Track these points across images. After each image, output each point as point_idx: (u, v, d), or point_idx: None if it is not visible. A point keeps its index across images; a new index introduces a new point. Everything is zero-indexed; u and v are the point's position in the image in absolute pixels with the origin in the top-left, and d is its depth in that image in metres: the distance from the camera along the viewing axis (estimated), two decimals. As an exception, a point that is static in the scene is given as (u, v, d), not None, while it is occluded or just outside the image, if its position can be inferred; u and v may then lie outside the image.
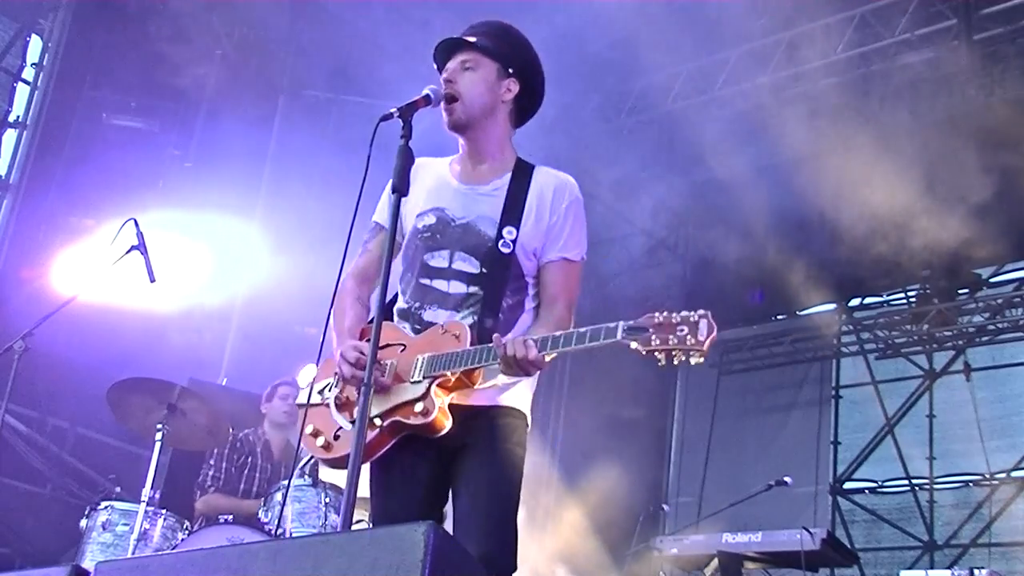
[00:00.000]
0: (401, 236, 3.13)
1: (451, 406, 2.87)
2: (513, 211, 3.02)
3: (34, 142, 8.67)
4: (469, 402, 2.92)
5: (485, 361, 2.77)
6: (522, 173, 3.10)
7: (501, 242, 2.98)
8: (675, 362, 2.58)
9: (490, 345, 2.75)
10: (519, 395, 3.02)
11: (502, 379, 2.95)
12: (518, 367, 2.71)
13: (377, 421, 2.84)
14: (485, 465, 2.89)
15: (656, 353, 2.57)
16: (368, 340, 2.94)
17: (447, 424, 2.82)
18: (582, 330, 2.68)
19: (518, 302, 3.02)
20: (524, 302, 3.04)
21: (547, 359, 2.74)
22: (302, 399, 3.16)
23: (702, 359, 2.56)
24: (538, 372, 2.84)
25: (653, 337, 2.56)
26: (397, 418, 2.83)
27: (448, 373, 2.82)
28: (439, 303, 2.99)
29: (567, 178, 3.14)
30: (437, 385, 2.82)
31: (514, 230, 2.99)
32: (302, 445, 3.05)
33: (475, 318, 2.93)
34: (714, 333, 2.54)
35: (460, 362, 2.81)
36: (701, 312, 2.57)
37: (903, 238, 8.55)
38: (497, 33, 3.16)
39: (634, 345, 2.58)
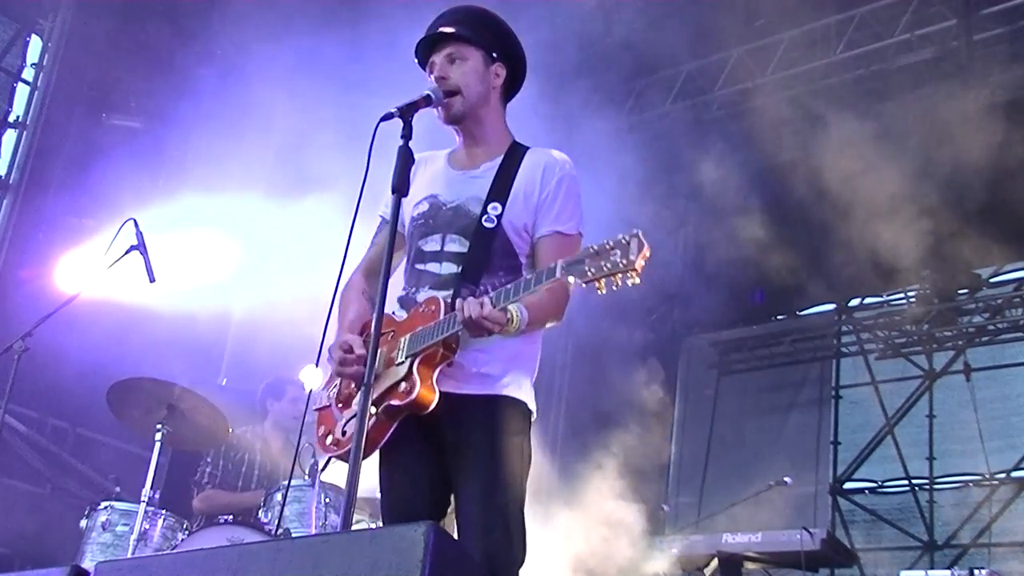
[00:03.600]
0: (402, 231, 3.16)
1: (447, 395, 2.88)
2: (501, 189, 3.04)
3: (34, 142, 8.65)
4: (464, 391, 2.93)
5: (452, 328, 2.80)
6: (514, 154, 3.12)
7: (485, 217, 3.00)
8: (614, 287, 2.58)
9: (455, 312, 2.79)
10: (518, 385, 3.01)
11: (498, 369, 2.96)
12: (477, 327, 2.72)
13: (372, 409, 2.86)
14: (483, 459, 2.89)
15: (595, 283, 2.57)
16: (367, 334, 2.99)
17: (432, 398, 2.83)
18: (527, 276, 2.72)
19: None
20: None
21: (514, 321, 2.75)
22: (314, 401, 3.19)
23: (637, 279, 2.56)
24: (531, 347, 2.95)
25: (588, 268, 2.57)
26: (388, 402, 2.87)
27: (423, 347, 2.87)
28: (431, 284, 3.02)
29: (560, 155, 3.14)
30: (419, 362, 2.85)
31: (499, 206, 3.01)
32: (317, 447, 3.08)
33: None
34: (645, 250, 2.54)
35: (433, 334, 2.85)
36: (632, 232, 2.56)
37: (903, 238, 8.55)
38: (475, 20, 3.17)
39: (572, 279, 2.59)
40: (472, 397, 2.93)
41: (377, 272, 3.16)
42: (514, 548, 2.85)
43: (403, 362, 2.89)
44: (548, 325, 3.02)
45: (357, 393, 2.92)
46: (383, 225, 3.24)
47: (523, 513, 2.91)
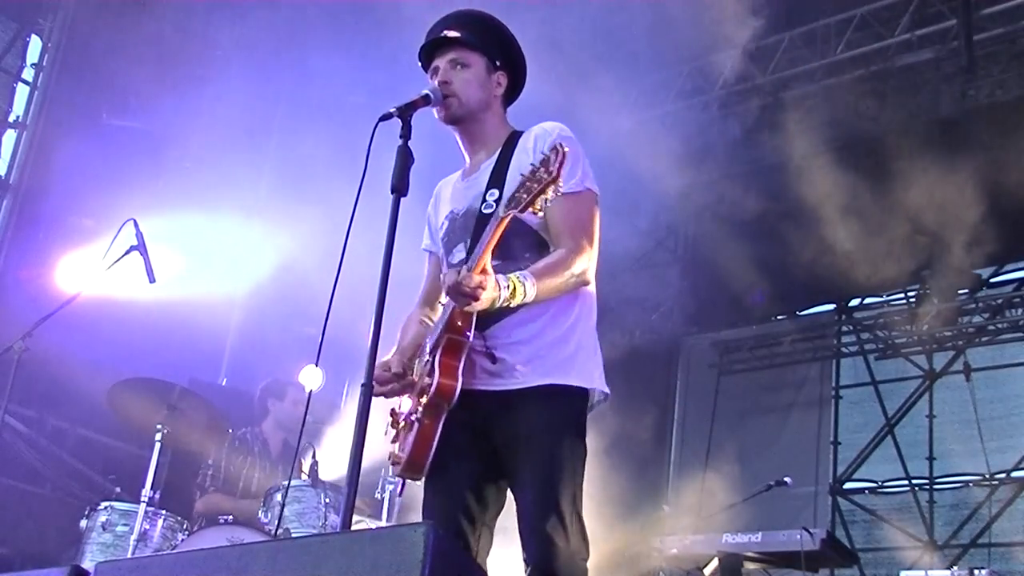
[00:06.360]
0: (439, 255, 3.22)
1: (495, 394, 2.89)
2: (498, 175, 3.03)
3: (34, 142, 8.65)
4: (511, 387, 2.91)
5: (449, 310, 2.82)
6: (511, 141, 3.12)
7: (484, 205, 2.99)
8: (548, 203, 2.58)
9: None
10: (566, 368, 2.93)
11: (541, 356, 2.91)
12: (460, 294, 2.68)
13: (414, 417, 2.89)
14: (530, 457, 2.86)
15: (530, 208, 2.58)
16: (417, 353, 3.07)
17: (452, 384, 2.80)
18: (484, 233, 2.70)
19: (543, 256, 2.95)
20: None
21: (515, 288, 2.73)
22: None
23: (562, 187, 2.57)
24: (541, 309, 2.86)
25: (522, 194, 2.57)
26: (425, 401, 2.86)
27: (435, 338, 2.89)
28: None
29: (552, 123, 3.10)
30: (441, 354, 2.84)
31: (496, 191, 2.99)
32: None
33: None
34: (562, 160, 2.53)
35: (440, 323, 2.88)
36: (552, 147, 2.57)
37: (903, 238, 8.55)
38: (480, 26, 3.18)
39: (514, 212, 2.60)
40: (520, 392, 2.89)
41: (432, 302, 3.24)
42: (572, 545, 2.80)
43: (428, 360, 2.90)
44: (570, 284, 2.90)
45: (416, 407, 2.94)
46: (431, 258, 3.30)
47: (578, 507, 2.86)
